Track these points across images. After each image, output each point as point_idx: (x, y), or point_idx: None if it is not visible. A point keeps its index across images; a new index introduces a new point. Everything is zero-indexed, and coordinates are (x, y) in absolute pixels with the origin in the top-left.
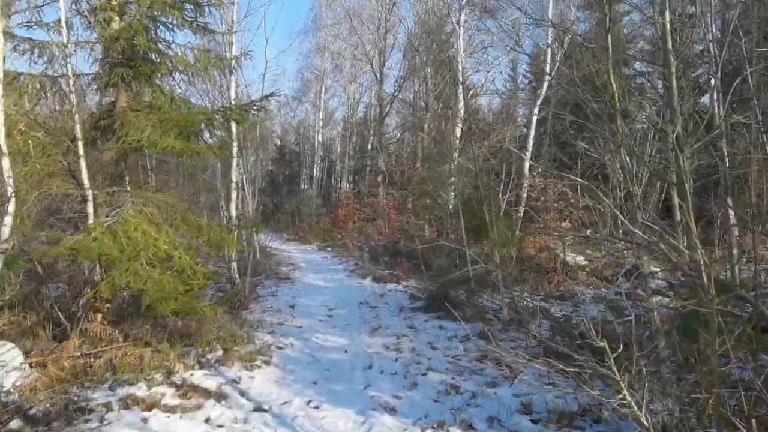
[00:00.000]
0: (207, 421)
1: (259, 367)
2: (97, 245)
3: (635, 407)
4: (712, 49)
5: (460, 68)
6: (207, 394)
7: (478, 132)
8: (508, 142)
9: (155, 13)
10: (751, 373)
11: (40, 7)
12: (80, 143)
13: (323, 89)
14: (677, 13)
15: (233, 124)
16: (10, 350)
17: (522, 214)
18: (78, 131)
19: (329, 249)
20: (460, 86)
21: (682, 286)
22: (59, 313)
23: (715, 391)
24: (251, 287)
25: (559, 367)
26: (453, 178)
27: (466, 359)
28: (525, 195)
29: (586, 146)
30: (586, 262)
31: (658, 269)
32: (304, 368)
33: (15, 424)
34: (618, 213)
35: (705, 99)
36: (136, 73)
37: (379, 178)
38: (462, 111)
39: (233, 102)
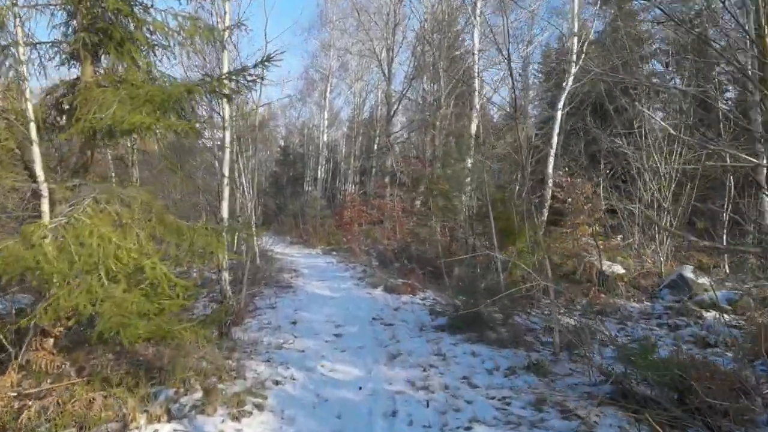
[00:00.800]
0: None
1: (250, 413)
2: (33, 255)
3: None
4: None
5: (477, 59)
6: None
7: (495, 129)
8: (524, 140)
9: None
10: None
11: None
12: (32, 125)
13: (329, 88)
14: None
15: (226, 108)
16: None
17: (546, 217)
18: (29, 110)
19: (334, 253)
20: (477, 78)
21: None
22: (1, 336)
23: None
24: (248, 298)
25: (646, 419)
26: (471, 177)
27: (518, 403)
28: (549, 196)
29: (618, 142)
30: (624, 271)
31: (706, 280)
32: (308, 414)
33: None
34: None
35: None
36: (104, 40)
37: (387, 179)
38: (478, 105)
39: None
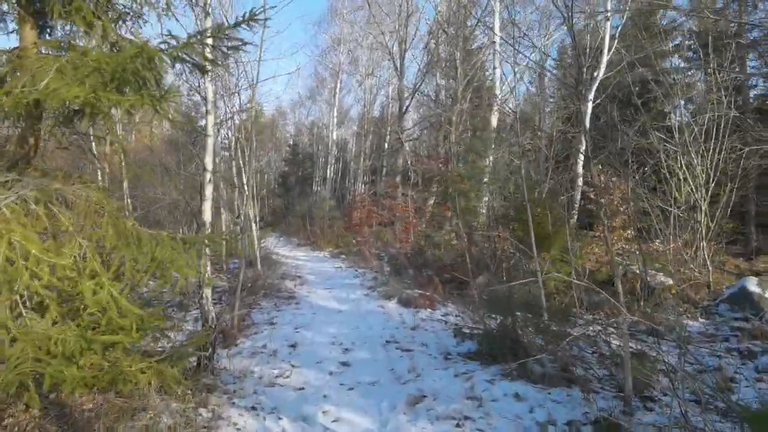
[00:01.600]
0: None
1: None
2: None
3: None
4: None
5: (497, 47)
6: None
7: (520, 123)
8: (546, 136)
9: None
10: None
11: None
12: None
13: (338, 85)
14: None
15: (209, 88)
16: None
17: (576, 219)
18: None
19: (343, 257)
20: (498, 69)
21: None
22: None
23: None
24: (243, 314)
25: None
26: (494, 175)
27: None
28: (579, 197)
29: (650, 138)
30: (671, 281)
31: None
32: None
33: None
34: None
35: None
36: None
37: (398, 179)
38: (500, 97)
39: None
